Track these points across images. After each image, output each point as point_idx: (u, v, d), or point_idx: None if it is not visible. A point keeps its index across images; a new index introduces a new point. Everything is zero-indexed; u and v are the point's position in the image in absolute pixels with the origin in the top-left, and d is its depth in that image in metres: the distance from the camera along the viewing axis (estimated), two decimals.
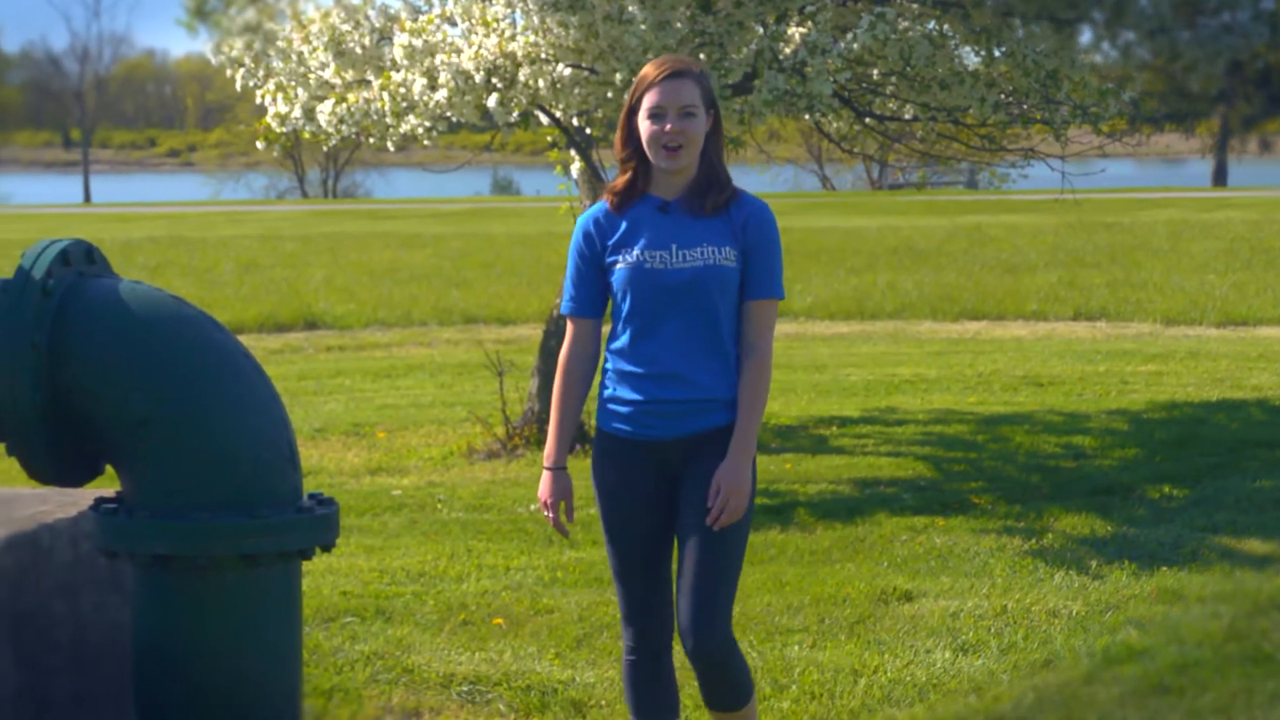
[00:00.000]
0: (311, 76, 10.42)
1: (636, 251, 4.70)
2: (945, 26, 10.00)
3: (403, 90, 9.77)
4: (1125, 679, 6.08)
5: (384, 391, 14.84)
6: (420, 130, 9.88)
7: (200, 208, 55.27)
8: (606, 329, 4.86)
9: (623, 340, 4.73)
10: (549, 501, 4.83)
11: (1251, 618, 6.85)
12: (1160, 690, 5.96)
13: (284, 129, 10.68)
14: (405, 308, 21.72)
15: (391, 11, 10.45)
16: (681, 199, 4.74)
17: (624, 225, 4.75)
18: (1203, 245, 28.76)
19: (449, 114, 9.71)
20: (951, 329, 19.22)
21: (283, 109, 10.48)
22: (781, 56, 9.20)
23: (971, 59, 10.16)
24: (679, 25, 9.16)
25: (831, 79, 9.13)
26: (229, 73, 10.94)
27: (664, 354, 4.69)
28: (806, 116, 9.92)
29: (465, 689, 6.17)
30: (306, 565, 4.83)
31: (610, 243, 4.75)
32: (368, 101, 9.94)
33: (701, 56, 9.24)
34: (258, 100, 10.79)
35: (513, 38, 9.47)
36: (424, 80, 9.67)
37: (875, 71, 10.08)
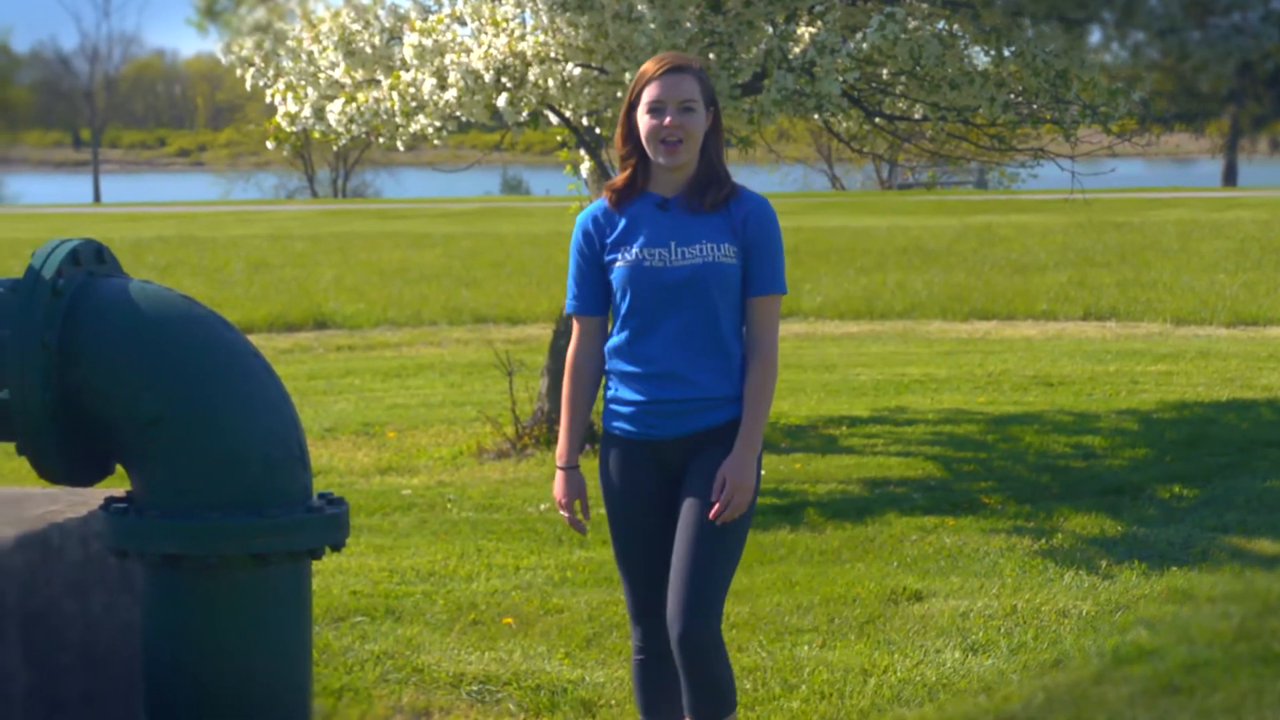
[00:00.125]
0: (321, 76, 10.43)
1: (635, 249, 4.69)
2: (955, 26, 10.00)
3: (412, 90, 9.77)
4: (1135, 679, 6.08)
5: (394, 391, 14.85)
6: (430, 130, 9.89)
7: (210, 207, 55.33)
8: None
9: (622, 339, 4.73)
10: (564, 501, 4.84)
11: (1262, 618, 6.84)
12: (1170, 690, 5.95)
13: (294, 128, 10.69)
14: (415, 307, 21.73)
15: (401, 11, 10.45)
16: (680, 196, 4.73)
17: (623, 223, 4.74)
18: (1213, 245, 28.73)
19: (459, 113, 9.71)
20: (961, 329, 19.21)
21: (292, 108, 10.49)
22: (791, 56, 9.20)
23: (981, 59, 10.15)
24: (688, 25, 9.16)
25: (840, 78, 9.12)
26: (239, 72, 10.94)
27: (663, 353, 4.68)
28: (816, 116, 9.92)
29: (475, 688, 6.17)
30: (316, 565, 4.84)
31: (609, 240, 4.74)
32: (377, 101, 9.95)
33: (711, 56, 9.24)
34: (267, 100, 10.80)
35: (522, 37, 9.48)
36: (434, 80, 9.67)
37: (885, 71, 10.07)
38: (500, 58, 9.44)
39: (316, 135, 10.68)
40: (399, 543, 8.66)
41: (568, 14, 9.11)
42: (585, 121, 10.01)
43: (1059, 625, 6.87)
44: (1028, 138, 11.77)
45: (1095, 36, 10.09)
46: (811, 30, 9.44)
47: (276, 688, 4.54)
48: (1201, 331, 18.39)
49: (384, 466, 11.08)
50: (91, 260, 4.65)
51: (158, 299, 4.56)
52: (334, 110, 10.12)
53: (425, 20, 9.99)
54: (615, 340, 4.75)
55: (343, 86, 10.38)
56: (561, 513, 4.86)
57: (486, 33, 9.61)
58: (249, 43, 10.93)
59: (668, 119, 4.65)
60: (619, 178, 4.80)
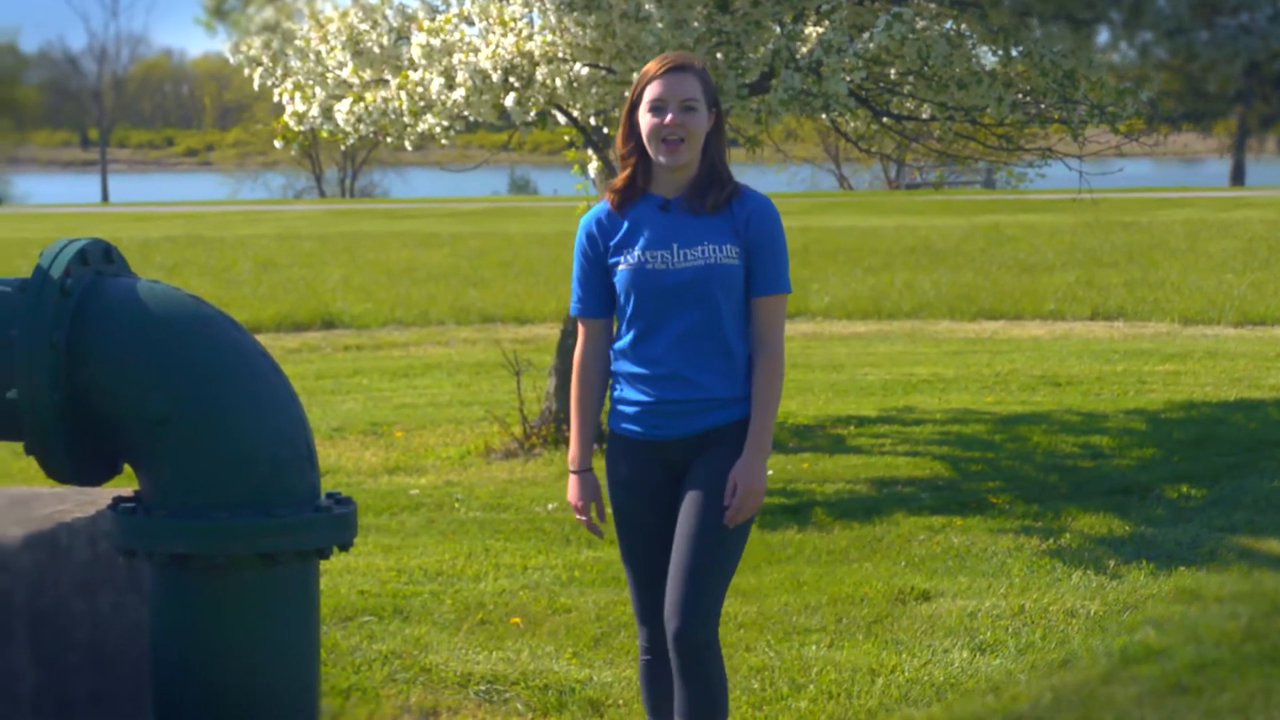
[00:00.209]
0: (329, 75, 10.44)
1: (638, 252, 4.68)
2: (962, 26, 9.99)
3: (420, 89, 9.78)
4: (1143, 679, 6.07)
5: (401, 391, 14.86)
6: (438, 129, 9.89)
7: (218, 207, 55.38)
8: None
9: (627, 341, 4.73)
10: (579, 505, 4.84)
11: (1270, 617, 6.84)
12: (1178, 690, 5.95)
13: (302, 128, 10.70)
14: (423, 307, 21.73)
15: (409, 11, 10.47)
16: (682, 197, 4.71)
17: (625, 225, 4.73)
18: (1220, 245, 28.70)
19: (466, 113, 9.72)
20: (969, 328, 19.20)
21: (300, 108, 10.50)
22: (798, 56, 9.20)
23: (989, 58, 10.15)
24: (696, 24, 9.16)
25: (848, 78, 9.12)
26: (247, 72, 10.96)
27: (667, 355, 4.67)
28: (823, 116, 9.92)
29: (483, 688, 6.17)
30: (324, 564, 4.84)
31: (612, 243, 4.73)
32: (385, 100, 9.95)
33: (718, 55, 9.24)
34: (275, 99, 10.81)
35: (530, 37, 9.48)
36: (441, 79, 9.68)
37: (892, 71, 10.07)
38: (508, 57, 9.45)
39: (324, 135, 10.69)
40: (407, 542, 8.67)
41: (575, 13, 9.12)
42: (593, 121, 10.02)
43: (1067, 625, 6.87)
44: (1035, 137, 11.76)
45: (1103, 36, 10.08)
46: (819, 30, 9.44)
47: (284, 687, 4.54)
48: (1209, 331, 18.37)
49: (392, 466, 11.08)
50: (99, 260, 4.66)
51: (166, 299, 4.56)
52: (342, 110, 10.12)
53: (433, 20, 10.00)
54: (621, 342, 4.75)
55: (350, 86, 10.39)
56: (577, 517, 4.86)
57: (494, 32, 9.62)
58: (257, 42, 10.95)
59: (669, 117, 4.64)
60: (619, 178, 4.79)
